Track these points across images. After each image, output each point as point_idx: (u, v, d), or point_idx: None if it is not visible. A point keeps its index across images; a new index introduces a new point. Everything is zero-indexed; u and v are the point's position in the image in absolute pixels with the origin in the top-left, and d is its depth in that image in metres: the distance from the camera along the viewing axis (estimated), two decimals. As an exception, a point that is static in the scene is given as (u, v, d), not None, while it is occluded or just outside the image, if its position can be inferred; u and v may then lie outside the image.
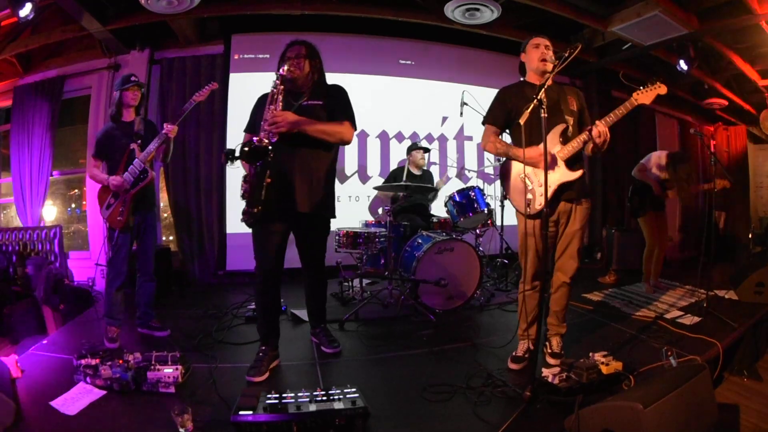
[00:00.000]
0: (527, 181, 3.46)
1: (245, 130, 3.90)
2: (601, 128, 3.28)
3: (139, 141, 4.34)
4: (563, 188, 3.47)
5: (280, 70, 3.51)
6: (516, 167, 3.58)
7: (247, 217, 3.50)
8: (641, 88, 3.26)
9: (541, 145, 3.20)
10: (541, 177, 3.23)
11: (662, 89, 3.23)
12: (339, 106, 3.78)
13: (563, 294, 3.74)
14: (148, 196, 4.46)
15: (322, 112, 3.65)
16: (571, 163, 3.47)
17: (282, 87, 3.51)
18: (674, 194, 5.71)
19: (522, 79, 3.74)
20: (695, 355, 3.67)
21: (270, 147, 3.32)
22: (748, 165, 11.82)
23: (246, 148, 3.30)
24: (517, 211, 3.61)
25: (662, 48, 7.51)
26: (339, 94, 3.83)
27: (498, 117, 3.61)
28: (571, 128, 3.52)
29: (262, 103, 3.73)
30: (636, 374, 3.31)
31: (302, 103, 3.63)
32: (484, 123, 3.70)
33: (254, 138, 3.35)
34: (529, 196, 3.46)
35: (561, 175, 3.45)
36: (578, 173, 3.45)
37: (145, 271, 4.58)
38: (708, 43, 7.40)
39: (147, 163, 4.30)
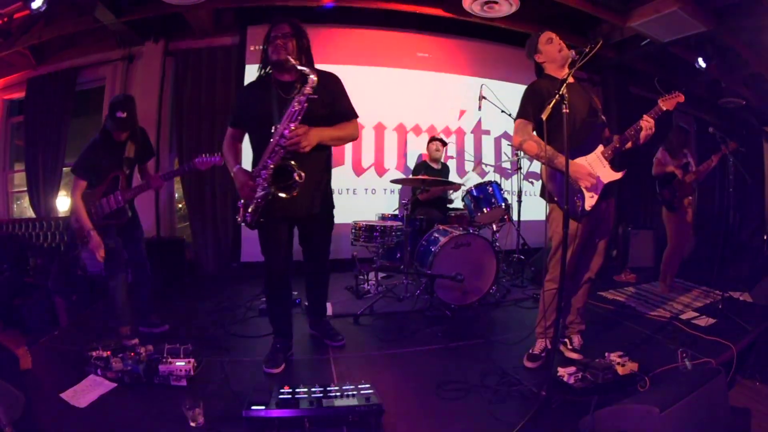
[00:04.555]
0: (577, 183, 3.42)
1: (232, 125, 3.77)
2: (651, 121, 3.36)
3: (127, 171, 4.17)
4: (607, 188, 3.46)
5: (306, 87, 3.23)
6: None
7: (250, 222, 3.47)
8: (664, 94, 3.48)
9: (588, 158, 3.41)
10: None
11: (680, 97, 3.49)
12: (343, 104, 3.60)
13: (586, 290, 3.78)
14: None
15: (318, 106, 3.36)
16: (614, 162, 3.48)
17: (307, 105, 3.24)
18: (692, 178, 5.63)
19: (545, 72, 3.66)
20: (710, 358, 3.63)
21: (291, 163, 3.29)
22: (763, 166, 11.69)
23: (289, 183, 3.28)
24: (560, 211, 3.44)
25: (681, 45, 7.43)
26: (337, 87, 3.59)
27: (535, 112, 3.39)
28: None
29: (250, 94, 3.64)
30: (651, 376, 3.26)
31: (294, 95, 3.31)
32: (519, 118, 3.51)
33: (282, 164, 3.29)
34: (578, 197, 3.42)
35: (606, 175, 3.44)
36: (621, 173, 3.45)
37: (140, 272, 4.40)
38: (726, 41, 7.31)
39: (127, 203, 4.13)
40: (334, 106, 3.51)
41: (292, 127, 3.23)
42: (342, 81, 3.63)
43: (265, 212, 3.43)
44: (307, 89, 3.23)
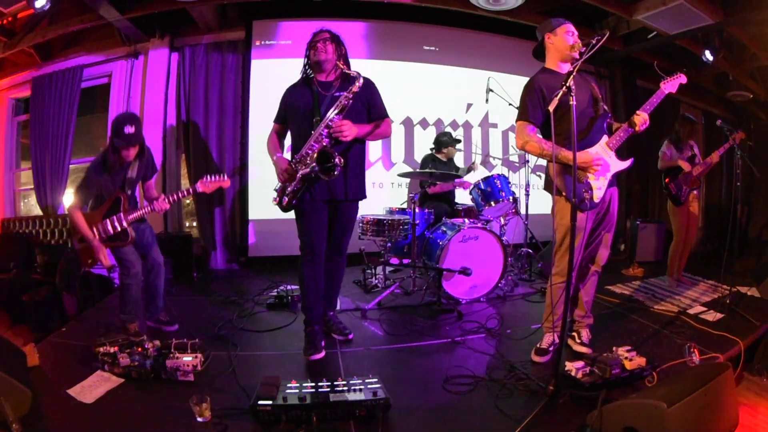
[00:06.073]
0: (584, 174, 3.42)
1: (276, 121, 4.03)
2: (644, 116, 3.36)
3: (129, 192, 4.14)
4: (613, 178, 3.48)
5: (354, 87, 3.58)
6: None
7: (286, 204, 3.75)
8: (666, 77, 3.43)
9: (592, 149, 3.39)
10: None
11: (683, 78, 3.42)
12: (378, 104, 3.92)
13: (593, 283, 3.76)
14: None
15: (357, 105, 3.71)
16: (620, 152, 3.47)
17: (352, 102, 3.60)
18: (699, 171, 5.59)
19: (544, 66, 3.63)
20: (717, 353, 3.63)
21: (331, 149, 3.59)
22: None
23: (327, 164, 3.54)
24: (565, 203, 3.41)
25: (688, 38, 7.39)
26: (373, 90, 3.90)
27: (537, 112, 3.44)
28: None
29: (294, 93, 3.89)
30: (659, 370, 3.25)
31: (334, 94, 3.69)
32: (519, 120, 3.51)
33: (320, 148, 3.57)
34: (586, 190, 3.40)
35: (613, 165, 3.45)
36: (628, 162, 3.47)
37: (154, 264, 4.36)
38: (733, 34, 7.27)
39: (130, 225, 4.09)
40: (370, 106, 3.87)
41: (336, 120, 3.58)
42: (375, 84, 3.94)
43: (309, 196, 3.71)
44: (355, 88, 3.59)
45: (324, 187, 3.68)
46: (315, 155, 3.55)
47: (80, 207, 4.07)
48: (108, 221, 4.04)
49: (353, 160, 3.81)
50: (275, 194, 3.84)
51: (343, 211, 3.93)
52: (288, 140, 3.99)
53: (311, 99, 3.74)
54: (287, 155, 3.85)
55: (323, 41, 3.73)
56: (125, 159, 4.04)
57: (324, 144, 3.57)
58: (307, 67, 3.88)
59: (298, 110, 3.79)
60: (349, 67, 3.73)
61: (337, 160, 3.51)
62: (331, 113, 3.57)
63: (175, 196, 4.24)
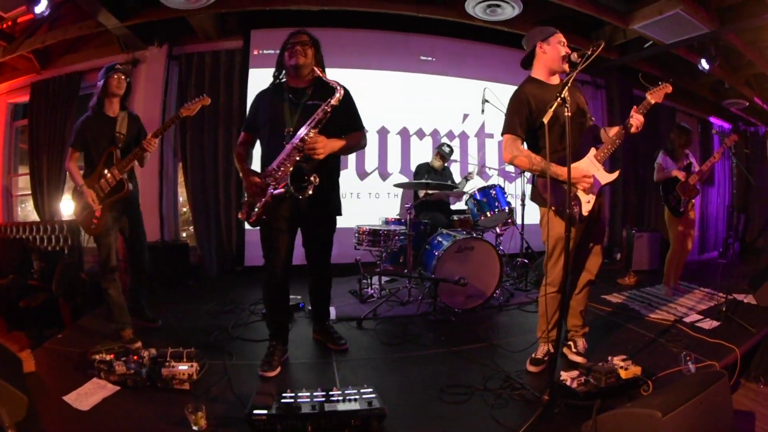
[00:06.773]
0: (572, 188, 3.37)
1: (244, 130, 3.86)
2: (640, 119, 3.35)
3: (121, 146, 4.16)
4: (600, 190, 3.46)
5: (333, 99, 3.41)
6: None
7: (255, 220, 3.53)
8: (651, 88, 3.45)
9: (581, 162, 3.38)
10: None
11: (668, 88, 3.44)
12: (352, 115, 3.76)
13: (586, 293, 3.75)
14: (128, 197, 4.25)
15: (331, 117, 3.46)
16: (607, 164, 3.47)
17: (330, 116, 3.41)
18: (696, 179, 5.59)
19: (530, 75, 3.61)
20: (713, 361, 3.62)
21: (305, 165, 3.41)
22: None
23: (304, 184, 3.34)
24: (553, 215, 3.42)
25: (684, 46, 7.42)
26: (348, 101, 3.66)
27: (522, 124, 3.39)
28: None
29: (264, 100, 3.73)
30: (654, 379, 3.26)
31: (307, 102, 3.55)
32: (506, 133, 3.44)
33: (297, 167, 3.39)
34: (575, 203, 3.38)
35: (601, 178, 3.43)
36: (615, 174, 3.45)
37: (138, 265, 4.50)
38: (729, 41, 7.30)
39: (125, 173, 4.13)
40: (343, 118, 3.63)
41: (311, 134, 3.36)
42: (351, 94, 3.71)
43: (272, 211, 3.50)
44: (334, 101, 3.41)
45: (295, 204, 3.49)
46: (288, 173, 3.38)
47: (72, 156, 4.22)
48: (103, 179, 4.10)
49: (326, 176, 3.58)
50: (242, 207, 3.63)
51: (318, 228, 3.84)
52: (257, 149, 3.86)
53: (282, 108, 3.57)
54: (256, 167, 3.72)
55: (302, 44, 3.53)
56: (116, 91, 4.15)
57: (297, 160, 3.39)
58: (280, 71, 3.73)
59: (269, 119, 3.62)
60: (325, 74, 3.57)
61: (312, 178, 3.33)
62: (306, 129, 3.36)
63: (162, 128, 4.27)
